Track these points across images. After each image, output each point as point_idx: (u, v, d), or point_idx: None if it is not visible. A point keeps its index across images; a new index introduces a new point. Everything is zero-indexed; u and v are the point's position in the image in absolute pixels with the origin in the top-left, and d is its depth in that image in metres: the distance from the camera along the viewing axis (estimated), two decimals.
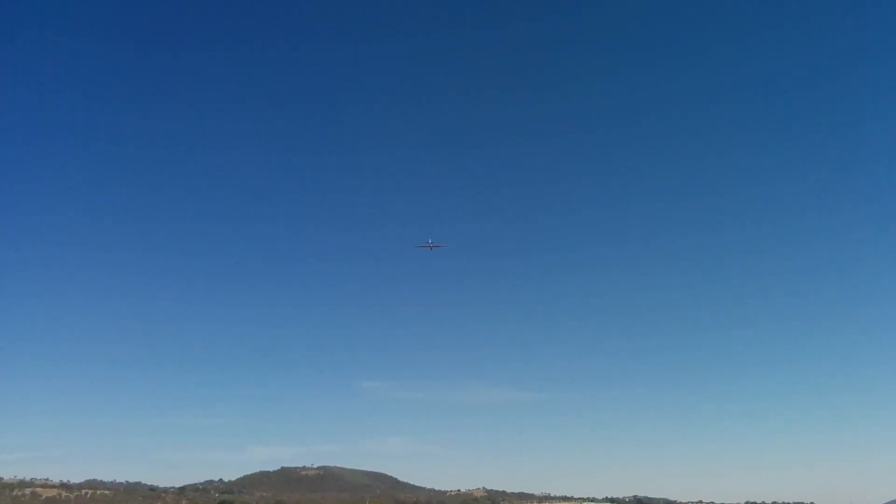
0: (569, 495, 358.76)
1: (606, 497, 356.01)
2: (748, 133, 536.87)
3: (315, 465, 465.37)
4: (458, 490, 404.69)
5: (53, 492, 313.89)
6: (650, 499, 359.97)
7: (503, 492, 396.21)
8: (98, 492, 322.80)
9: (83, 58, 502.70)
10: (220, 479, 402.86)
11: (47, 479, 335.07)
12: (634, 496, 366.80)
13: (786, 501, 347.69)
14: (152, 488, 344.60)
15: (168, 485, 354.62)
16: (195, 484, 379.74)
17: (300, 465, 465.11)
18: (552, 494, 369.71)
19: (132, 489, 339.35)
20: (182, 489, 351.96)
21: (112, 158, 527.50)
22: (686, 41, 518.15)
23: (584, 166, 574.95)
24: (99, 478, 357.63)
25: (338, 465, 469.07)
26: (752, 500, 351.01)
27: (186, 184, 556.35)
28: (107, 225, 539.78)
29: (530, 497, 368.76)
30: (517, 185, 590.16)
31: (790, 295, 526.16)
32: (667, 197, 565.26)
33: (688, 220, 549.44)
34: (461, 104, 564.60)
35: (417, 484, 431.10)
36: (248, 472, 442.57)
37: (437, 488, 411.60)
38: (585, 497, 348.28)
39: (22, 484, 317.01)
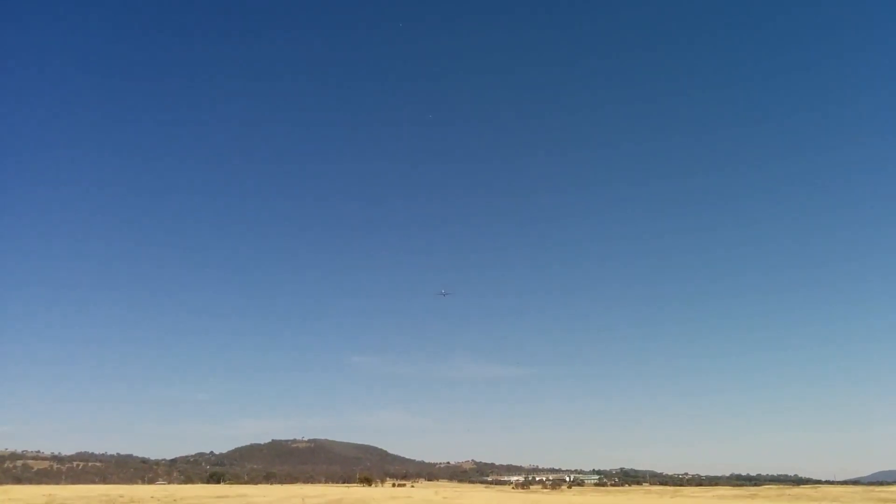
0: (557, 468, 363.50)
1: (594, 469, 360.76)
2: None
3: (305, 438, 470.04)
4: (448, 462, 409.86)
5: (45, 464, 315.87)
6: (637, 471, 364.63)
7: (492, 464, 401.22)
8: (89, 464, 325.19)
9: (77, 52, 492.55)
10: (211, 452, 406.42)
11: (38, 452, 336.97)
12: (621, 469, 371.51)
13: (770, 474, 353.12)
14: (144, 460, 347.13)
15: (159, 457, 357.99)
16: (186, 456, 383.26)
17: (291, 438, 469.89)
18: (540, 467, 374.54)
19: (123, 461, 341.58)
20: (173, 461, 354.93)
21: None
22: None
23: (566, 142, 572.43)
24: (90, 450, 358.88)
25: (328, 438, 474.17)
26: (737, 473, 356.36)
27: (172, 164, 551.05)
28: (96, 197, 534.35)
29: (518, 469, 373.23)
30: (505, 160, 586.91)
31: (773, 270, 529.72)
32: (654, 176, 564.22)
33: (669, 194, 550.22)
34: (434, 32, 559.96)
35: (407, 457, 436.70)
36: (239, 445, 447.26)
37: (426, 461, 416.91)
38: (573, 469, 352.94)
39: (13, 456, 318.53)
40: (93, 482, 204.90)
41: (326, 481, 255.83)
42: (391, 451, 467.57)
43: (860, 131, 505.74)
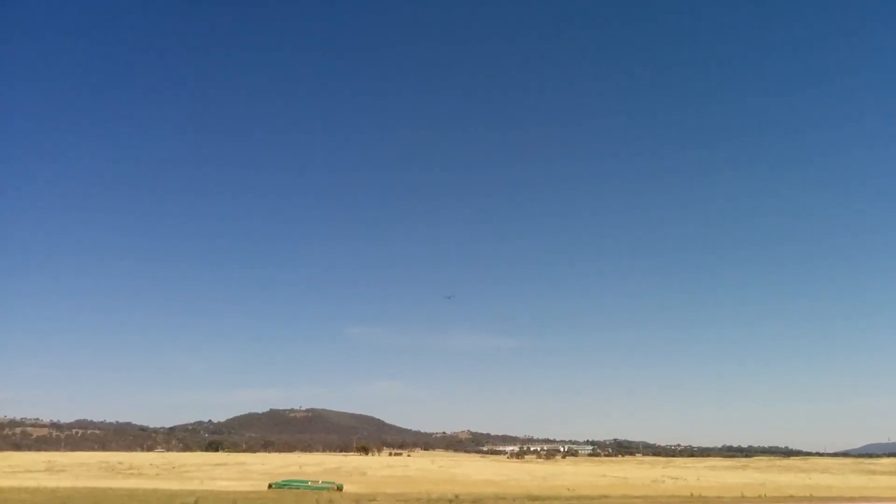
0: (551, 438, 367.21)
1: (588, 440, 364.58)
2: None
3: (303, 408, 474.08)
4: (444, 432, 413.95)
5: (44, 431, 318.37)
6: (630, 442, 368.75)
7: (487, 434, 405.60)
8: (88, 431, 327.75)
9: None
10: (210, 421, 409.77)
11: (37, 419, 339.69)
12: (615, 440, 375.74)
13: (761, 445, 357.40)
14: (142, 429, 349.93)
15: (158, 425, 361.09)
16: (185, 425, 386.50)
17: (289, 408, 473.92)
18: (535, 437, 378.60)
19: (122, 429, 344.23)
20: (172, 430, 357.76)
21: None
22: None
23: (567, 115, 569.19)
24: (89, 418, 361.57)
25: (326, 408, 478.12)
26: (728, 444, 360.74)
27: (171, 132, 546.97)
28: (95, 169, 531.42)
29: (514, 440, 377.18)
30: (505, 130, 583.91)
31: (765, 245, 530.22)
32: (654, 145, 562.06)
33: (655, 164, 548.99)
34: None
35: (404, 426, 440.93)
36: (238, 414, 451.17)
37: (422, 431, 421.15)
38: (567, 440, 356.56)
39: (12, 423, 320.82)
40: (92, 449, 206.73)
41: (324, 450, 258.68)
42: (388, 421, 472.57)
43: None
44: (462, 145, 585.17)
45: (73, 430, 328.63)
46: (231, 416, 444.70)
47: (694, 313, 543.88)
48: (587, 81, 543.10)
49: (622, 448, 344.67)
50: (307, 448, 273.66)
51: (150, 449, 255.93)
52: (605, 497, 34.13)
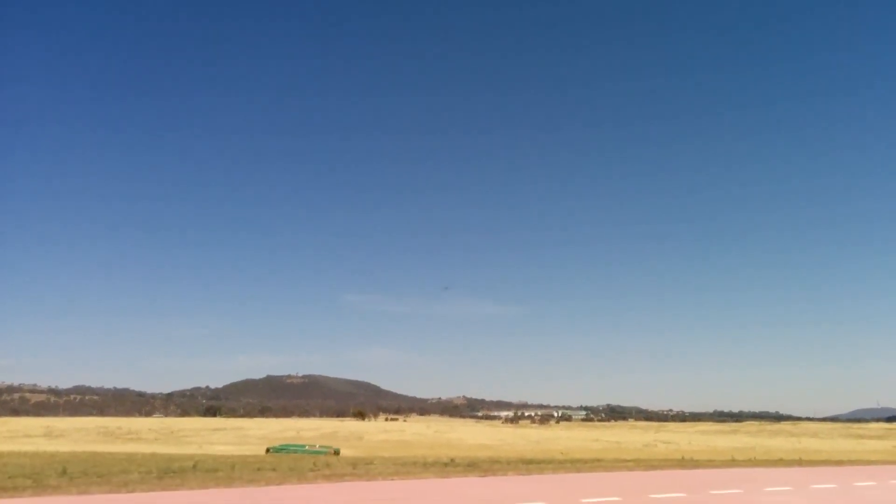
0: (545, 404, 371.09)
1: (581, 405, 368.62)
2: None
3: (300, 374, 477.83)
4: (440, 398, 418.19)
5: (42, 397, 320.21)
6: (623, 407, 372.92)
7: (482, 400, 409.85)
8: (86, 397, 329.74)
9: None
10: (207, 387, 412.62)
11: (35, 385, 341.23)
12: (608, 405, 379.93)
13: (752, 410, 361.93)
14: (140, 394, 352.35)
15: (156, 391, 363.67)
16: (183, 390, 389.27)
17: (286, 374, 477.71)
18: (529, 403, 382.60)
19: (120, 395, 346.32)
20: (170, 395, 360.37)
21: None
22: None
23: (571, 78, 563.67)
24: (87, 384, 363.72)
25: (322, 374, 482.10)
26: (719, 409, 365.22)
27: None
28: (96, 132, 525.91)
29: (508, 405, 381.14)
30: (506, 93, 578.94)
31: (756, 211, 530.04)
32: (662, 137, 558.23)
33: (658, 134, 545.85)
34: None
35: (400, 392, 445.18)
36: (235, 380, 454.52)
37: (418, 396, 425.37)
38: (561, 405, 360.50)
39: (10, 389, 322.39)
40: (90, 415, 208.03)
41: (321, 415, 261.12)
42: (384, 386, 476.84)
43: None
44: (461, 109, 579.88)
45: (72, 396, 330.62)
46: (228, 382, 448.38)
47: (685, 281, 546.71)
48: (592, 44, 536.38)
49: (615, 413, 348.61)
50: (304, 414, 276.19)
51: (148, 414, 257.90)
52: (598, 461, 34.61)
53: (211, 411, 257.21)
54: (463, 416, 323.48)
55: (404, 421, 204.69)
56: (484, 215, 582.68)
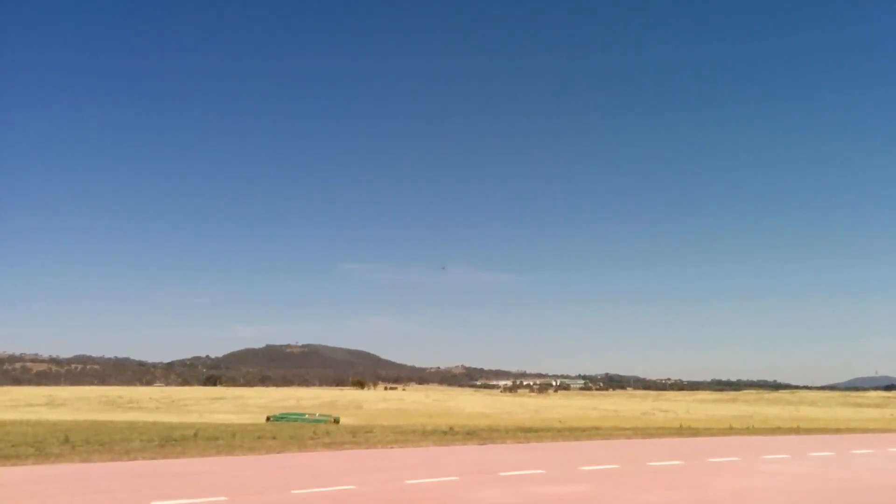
0: (543, 373, 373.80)
1: (580, 374, 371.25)
2: None
3: (299, 343, 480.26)
4: (438, 367, 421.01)
5: (43, 366, 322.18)
6: (621, 376, 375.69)
7: (481, 369, 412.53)
8: (87, 367, 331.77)
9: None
10: (207, 356, 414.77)
11: (37, 354, 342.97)
12: (606, 374, 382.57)
13: (750, 379, 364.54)
14: (141, 364, 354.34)
15: (156, 360, 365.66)
16: (183, 360, 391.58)
17: (285, 343, 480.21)
18: (528, 372, 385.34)
19: (121, 364, 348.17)
20: (170, 365, 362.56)
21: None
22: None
23: (570, 46, 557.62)
24: (88, 353, 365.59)
25: (321, 343, 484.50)
26: (717, 378, 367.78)
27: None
28: (95, 99, 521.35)
29: (507, 374, 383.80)
30: (507, 58, 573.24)
31: (757, 185, 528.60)
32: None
33: (658, 103, 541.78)
34: None
35: (399, 361, 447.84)
36: (235, 350, 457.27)
37: (417, 365, 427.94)
38: (559, 374, 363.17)
39: (12, 359, 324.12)
40: (91, 384, 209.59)
41: (320, 385, 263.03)
42: (383, 356, 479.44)
43: None
44: (461, 74, 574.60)
45: (73, 366, 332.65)
46: (228, 351, 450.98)
47: (684, 250, 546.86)
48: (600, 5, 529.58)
49: (613, 382, 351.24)
50: (304, 383, 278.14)
51: (149, 383, 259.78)
52: (596, 429, 34.86)
53: (211, 380, 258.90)
54: (461, 386, 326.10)
55: (403, 390, 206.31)
56: (483, 184, 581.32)
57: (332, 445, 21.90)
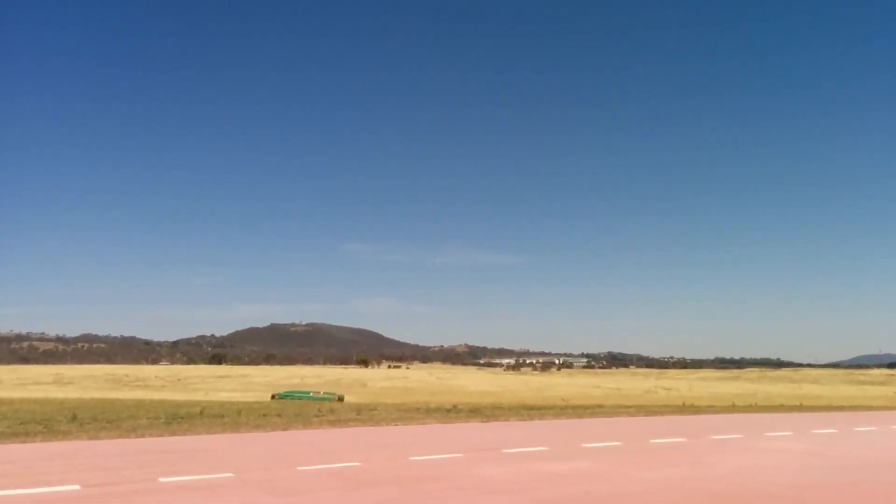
0: (547, 351, 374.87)
1: (583, 353, 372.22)
2: None
3: (304, 322, 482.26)
4: (442, 346, 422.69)
5: (50, 345, 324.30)
6: (624, 355, 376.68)
7: (484, 348, 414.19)
8: (94, 345, 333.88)
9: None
10: (212, 335, 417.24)
11: (44, 333, 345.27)
12: (609, 352, 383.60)
13: (753, 357, 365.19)
14: (147, 342, 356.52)
15: (162, 339, 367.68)
16: (189, 338, 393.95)
17: (289, 322, 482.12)
18: (531, 350, 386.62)
19: (127, 343, 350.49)
20: (175, 344, 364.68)
21: None
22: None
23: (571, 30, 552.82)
24: (95, 332, 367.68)
25: (325, 322, 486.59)
26: (721, 356, 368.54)
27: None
28: (97, 73, 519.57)
29: (510, 353, 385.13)
30: (508, 37, 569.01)
31: (758, 163, 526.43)
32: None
33: (660, 82, 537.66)
34: None
35: (402, 340, 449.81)
36: (239, 329, 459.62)
37: (421, 344, 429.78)
38: (562, 353, 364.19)
39: (19, 338, 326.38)
40: (97, 363, 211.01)
41: (325, 363, 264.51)
42: (387, 335, 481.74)
43: None
44: (462, 54, 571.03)
45: (79, 344, 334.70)
46: (233, 330, 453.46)
47: (688, 229, 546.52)
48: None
49: (616, 360, 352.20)
50: (308, 361, 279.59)
51: (154, 362, 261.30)
52: (599, 406, 35.03)
53: (216, 359, 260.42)
54: (465, 364, 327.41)
55: (407, 368, 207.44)
56: (486, 164, 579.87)
57: (337, 423, 22.07)
